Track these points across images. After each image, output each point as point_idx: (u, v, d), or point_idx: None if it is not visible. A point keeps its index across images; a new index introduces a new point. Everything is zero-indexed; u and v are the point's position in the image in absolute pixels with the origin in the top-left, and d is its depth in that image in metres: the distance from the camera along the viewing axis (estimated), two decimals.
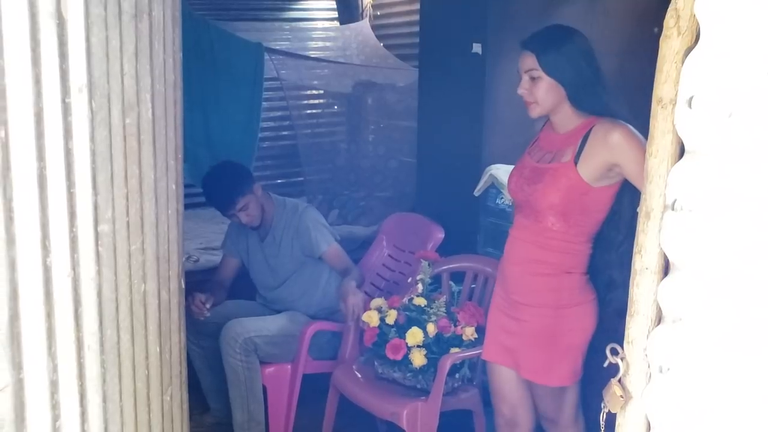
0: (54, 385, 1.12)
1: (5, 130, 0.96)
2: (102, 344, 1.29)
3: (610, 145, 1.94)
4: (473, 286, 3.00)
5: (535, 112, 2.07)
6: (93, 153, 1.21)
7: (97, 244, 1.24)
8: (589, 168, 1.98)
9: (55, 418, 1.13)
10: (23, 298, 1.03)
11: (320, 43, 5.59)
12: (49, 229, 1.08)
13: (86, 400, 1.24)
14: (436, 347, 2.67)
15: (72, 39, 1.12)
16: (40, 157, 1.05)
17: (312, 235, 3.08)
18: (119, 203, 1.34)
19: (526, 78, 2.04)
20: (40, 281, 1.07)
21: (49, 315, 1.10)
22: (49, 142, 1.06)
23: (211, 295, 3.02)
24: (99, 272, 1.25)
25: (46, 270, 1.08)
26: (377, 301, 2.87)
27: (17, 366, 1.02)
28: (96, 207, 1.23)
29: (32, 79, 1.01)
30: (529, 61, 2.03)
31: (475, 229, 3.34)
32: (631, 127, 1.95)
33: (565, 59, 1.99)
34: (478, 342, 2.69)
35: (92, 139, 1.20)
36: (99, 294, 1.26)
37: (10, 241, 0.99)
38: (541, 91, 2.02)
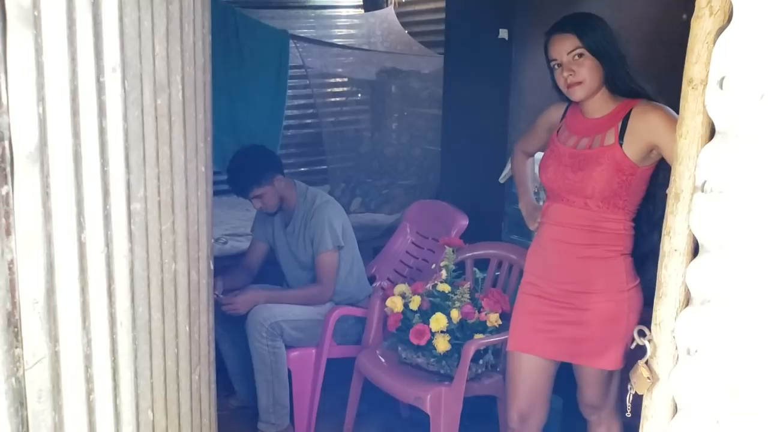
0: (88, 359, 1.15)
1: (43, 105, 0.97)
2: (134, 321, 1.31)
3: (650, 126, 1.95)
4: (497, 273, 2.99)
5: (579, 94, 2.05)
6: (126, 132, 1.23)
7: (129, 222, 1.26)
8: (634, 149, 1.98)
9: (89, 391, 1.16)
10: (59, 273, 1.05)
11: (345, 31, 5.58)
12: (84, 205, 1.10)
13: (118, 375, 1.26)
14: (460, 333, 2.68)
15: (106, 18, 1.14)
16: (75, 134, 1.06)
17: (317, 234, 3.06)
18: (151, 183, 1.36)
19: (568, 59, 2.03)
20: (75, 256, 1.09)
21: (84, 290, 1.12)
22: (84, 120, 1.08)
23: (218, 279, 2.95)
24: (131, 250, 1.28)
25: (81, 245, 1.10)
26: (401, 287, 2.88)
27: (53, 338, 1.04)
28: (128, 185, 1.25)
29: (68, 57, 1.03)
30: (570, 42, 2.03)
31: (499, 216, 3.34)
32: (669, 109, 1.94)
33: (602, 38, 2.02)
34: (502, 328, 2.69)
35: (125, 118, 1.22)
36: (131, 271, 1.28)
37: (47, 215, 1.01)
38: (585, 70, 2.02)
